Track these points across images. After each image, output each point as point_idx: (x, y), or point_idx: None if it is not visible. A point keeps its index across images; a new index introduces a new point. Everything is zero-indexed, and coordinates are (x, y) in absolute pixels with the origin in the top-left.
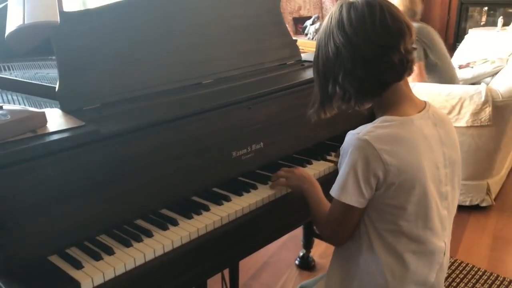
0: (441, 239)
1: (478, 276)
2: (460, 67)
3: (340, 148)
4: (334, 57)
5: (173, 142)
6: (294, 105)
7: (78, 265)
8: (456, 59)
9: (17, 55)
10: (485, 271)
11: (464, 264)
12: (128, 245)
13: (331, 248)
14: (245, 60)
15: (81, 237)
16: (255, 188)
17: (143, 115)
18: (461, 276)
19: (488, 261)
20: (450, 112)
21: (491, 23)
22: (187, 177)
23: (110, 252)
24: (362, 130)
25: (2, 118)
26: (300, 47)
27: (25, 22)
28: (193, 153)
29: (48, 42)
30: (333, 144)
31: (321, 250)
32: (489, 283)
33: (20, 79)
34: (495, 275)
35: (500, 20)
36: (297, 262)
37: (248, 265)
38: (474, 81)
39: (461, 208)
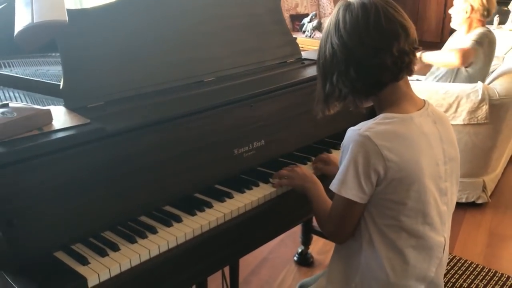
0: (441, 234)
1: (477, 272)
2: None
3: (341, 145)
4: (330, 58)
5: (175, 140)
6: (295, 103)
7: (84, 261)
8: None
9: (17, 52)
10: (483, 267)
11: (463, 260)
12: (133, 241)
13: (329, 245)
14: (246, 59)
15: (87, 233)
16: (256, 185)
17: (146, 113)
18: (460, 272)
19: (484, 257)
20: (447, 110)
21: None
22: (190, 174)
23: (115, 248)
24: (363, 127)
25: (9, 116)
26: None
27: (34, 21)
28: (195, 151)
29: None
30: (333, 142)
31: (319, 247)
32: (487, 279)
33: (24, 76)
34: (493, 271)
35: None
36: (295, 258)
37: (247, 261)
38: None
39: (457, 205)
